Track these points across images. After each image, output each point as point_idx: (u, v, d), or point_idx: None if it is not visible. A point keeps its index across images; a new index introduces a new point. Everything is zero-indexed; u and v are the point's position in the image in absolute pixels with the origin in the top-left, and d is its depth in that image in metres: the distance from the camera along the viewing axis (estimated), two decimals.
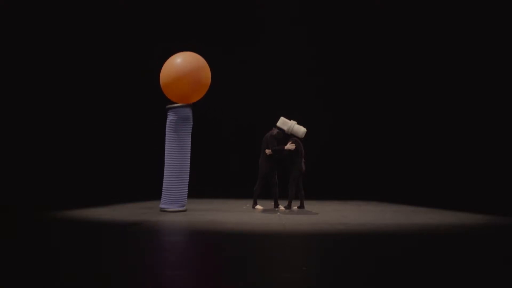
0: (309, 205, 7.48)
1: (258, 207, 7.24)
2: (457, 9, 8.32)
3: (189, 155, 6.56)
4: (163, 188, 6.47)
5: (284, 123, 7.11)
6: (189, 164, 6.55)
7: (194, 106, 6.72)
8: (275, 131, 7.13)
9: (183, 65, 6.26)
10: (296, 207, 7.22)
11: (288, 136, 7.13)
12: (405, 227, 5.15)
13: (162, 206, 6.44)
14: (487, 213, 6.50)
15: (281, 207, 7.20)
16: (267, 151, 7.04)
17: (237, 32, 10.45)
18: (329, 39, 10.57)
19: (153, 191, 7.57)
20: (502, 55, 7.55)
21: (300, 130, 7.08)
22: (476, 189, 7.57)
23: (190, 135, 6.56)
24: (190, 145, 6.57)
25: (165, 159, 6.48)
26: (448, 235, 4.62)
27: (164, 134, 6.55)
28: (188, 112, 6.52)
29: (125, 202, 7.85)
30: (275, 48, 10.63)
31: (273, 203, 7.36)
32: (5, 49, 7.19)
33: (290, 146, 6.99)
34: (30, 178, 7.20)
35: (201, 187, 9.71)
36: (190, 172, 6.61)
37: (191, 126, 6.58)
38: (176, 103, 6.47)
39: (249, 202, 7.58)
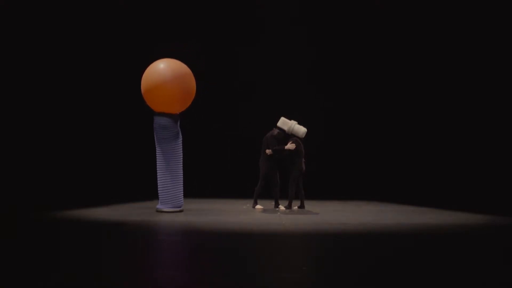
0: (309, 205, 7.48)
1: (258, 207, 7.24)
2: (456, 9, 8.32)
3: (179, 156, 6.46)
4: (158, 189, 6.47)
5: (284, 123, 7.12)
6: (180, 165, 6.48)
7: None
8: (275, 131, 7.14)
9: (167, 71, 6.08)
10: (296, 207, 7.22)
11: (288, 136, 7.14)
12: (405, 227, 5.15)
13: (158, 206, 6.44)
14: (487, 213, 6.50)
15: (281, 207, 7.20)
16: (268, 151, 7.04)
17: (236, 32, 10.45)
18: (329, 39, 10.58)
19: (153, 191, 7.57)
20: (501, 55, 7.54)
21: (301, 130, 7.09)
22: (476, 189, 7.57)
23: (173, 141, 6.38)
24: (177, 148, 6.43)
25: (157, 161, 6.48)
26: (448, 235, 4.62)
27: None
28: (165, 122, 6.32)
29: (125, 202, 7.85)
30: (275, 48, 10.63)
31: (273, 203, 7.37)
32: (4, 49, 7.18)
33: (290, 146, 6.99)
34: (30, 178, 7.20)
35: (200, 187, 9.71)
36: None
37: (172, 133, 6.38)
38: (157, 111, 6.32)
39: (249, 202, 7.58)
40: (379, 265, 3.06)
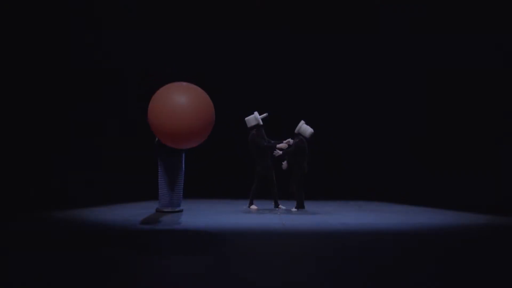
0: (309, 205, 7.47)
1: (253, 207, 7.24)
2: (452, 10, 8.32)
3: (181, 156, 6.44)
4: (159, 189, 6.46)
5: (253, 119, 7.18)
6: (182, 166, 6.45)
7: None
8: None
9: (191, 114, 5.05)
10: (294, 208, 7.20)
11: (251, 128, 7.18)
12: (405, 227, 5.15)
13: (158, 206, 6.44)
14: (487, 213, 6.50)
15: (281, 207, 7.20)
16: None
17: (236, 31, 10.46)
18: (329, 39, 10.58)
19: (154, 191, 7.57)
20: (503, 54, 7.54)
21: (308, 130, 7.10)
22: (477, 189, 7.57)
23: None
24: (179, 152, 6.36)
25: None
26: (448, 235, 4.62)
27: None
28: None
29: (125, 202, 7.86)
30: (275, 47, 10.64)
31: (273, 203, 7.36)
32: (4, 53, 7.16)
33: (282, 145, 7.01)
34: (30, 178, 7.19)
35: (199, 187, 9.71)
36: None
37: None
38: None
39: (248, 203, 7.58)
40: (379, 265, 3.06)
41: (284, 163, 7.17)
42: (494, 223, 5.61)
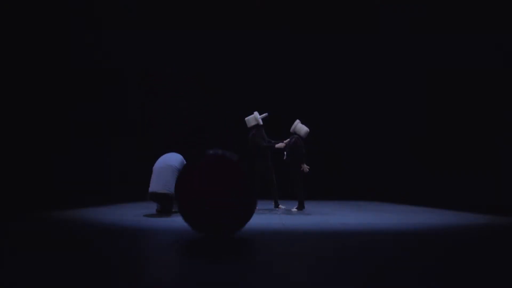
0: (309, 205, 7.47)
1: None
2: (452, 10, 8.32)
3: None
4: None
5: (253, 119, 7.21)
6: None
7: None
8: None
9: None
10: (295, 208, 7.21)
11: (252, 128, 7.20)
12: (405, 227, 5.15)
13: (158, 206, 6.45)
14: (487, 213, 6.50)
15: (281, 207, 7.20)
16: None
17: (236, 31, 10.46)
18: (329, 39, 10.58)
19: None
20: (503, 54, 7.54)
21: (303, 129, 7.09)
22: (477, 189, 7.57)
23: None
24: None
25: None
26: (448, 235, 4.62)
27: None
28: None
29: (125, 202, 7.85)
30: (275, 47, 10.64)
31: (273, 203, 7.37)
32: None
33: (281, 144, 7.04)
34: (30, 178, 7.19)
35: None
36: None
37: None
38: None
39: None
40: (379, 265, 3.06)
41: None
42: (494, 223, 5.60)
